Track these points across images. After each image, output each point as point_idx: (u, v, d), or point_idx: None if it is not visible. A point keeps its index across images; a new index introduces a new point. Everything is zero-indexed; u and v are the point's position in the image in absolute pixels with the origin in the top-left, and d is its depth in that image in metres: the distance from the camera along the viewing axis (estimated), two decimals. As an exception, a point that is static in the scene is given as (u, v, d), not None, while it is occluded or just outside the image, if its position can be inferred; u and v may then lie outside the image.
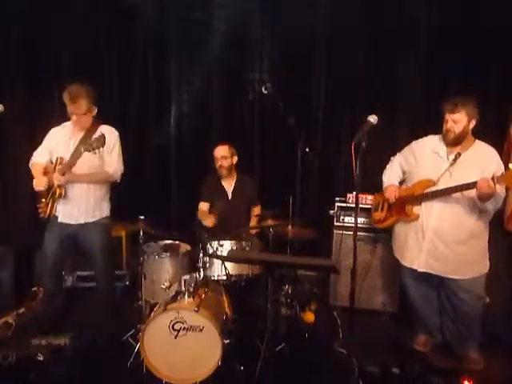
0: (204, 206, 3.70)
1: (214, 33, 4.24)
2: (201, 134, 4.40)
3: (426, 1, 3.85)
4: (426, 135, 2.98)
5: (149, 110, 4.42)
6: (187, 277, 2.81)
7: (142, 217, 3.12)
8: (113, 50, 4.29)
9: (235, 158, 3.65)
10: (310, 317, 3.38)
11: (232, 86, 4.33)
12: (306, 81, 4.23)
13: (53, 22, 4.09)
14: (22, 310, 3.35)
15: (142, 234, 3.10)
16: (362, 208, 3.59)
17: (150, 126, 4.46)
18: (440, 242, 2.77)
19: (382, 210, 3.18)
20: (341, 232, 3.63)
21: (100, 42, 4.24)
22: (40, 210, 3.06)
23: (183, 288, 2.73)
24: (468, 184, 2.56)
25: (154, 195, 4.43)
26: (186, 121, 4.46)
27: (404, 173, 3.05)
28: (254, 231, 3.64)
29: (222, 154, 3.59)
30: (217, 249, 3.09)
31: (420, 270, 2.85)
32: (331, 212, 3.77)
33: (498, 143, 2.93)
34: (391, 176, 3.09)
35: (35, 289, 3.50)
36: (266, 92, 3.52)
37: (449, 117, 2.71)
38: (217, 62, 4.28)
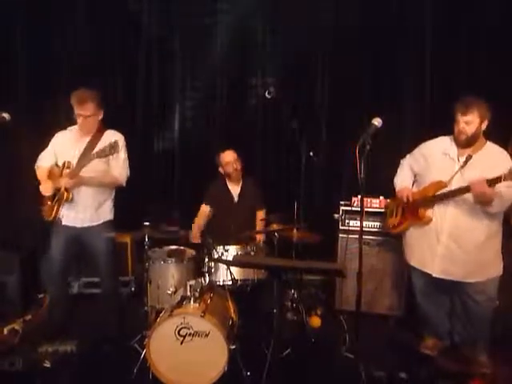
0: (206, 208, 3.71)
1: (217, 38, 4.26)
2: (204, 139, 4.41)
3: (430, 1, 3.86)
4: (431, 137, 2.96)
5: (152, 115, 4.44)
6: (193, 282, 2.80)
7: (147, 222, 3.12)
8: (117, 55, 4.33)
9: (240, 163, 3.67)
10: (316, 321, 3.36)
11: (235, 90, 4.35)
12: (309, 84, 4.24)
13: (56, 25, 4.15)
14: (28, 317, 3.36)
15: (146, 239, 3.11)
16: (367, 211, 3.58)
17: (154, 132, 4.48)
18: (455, 245, 2.75)
19: (396, 215, 3.13)
20: (346, 236, 3.61)
21: (104, 46, 4.27)
22: (44, 213, 3.09)
23: (189, 293, 2.73)
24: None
25: (158, 200, 4.43)
26: (190, 125, 4.48)
27: (415, 175, 3.02)
28: (260, 238, 3.59)
29: (235, 157, 3.61)
30: (222, 254, 3.09)
31: (435, 275, 2.81)
32: (336, 216, 3.76)
33: (502, 141, 2.90)
34: (403, 180, 3.05)
35: (42, 295, 3.51)
36: (268, 96, 3.53)
37: (461, 118, 2.66)
38: (220, 67, 4.30)
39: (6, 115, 2.82)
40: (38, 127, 3.81)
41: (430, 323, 3.11)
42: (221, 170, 3.69)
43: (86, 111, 3.00)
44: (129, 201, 4.12)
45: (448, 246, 2.76)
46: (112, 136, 3.07)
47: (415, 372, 2.80)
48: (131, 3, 4.24)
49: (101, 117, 3.11)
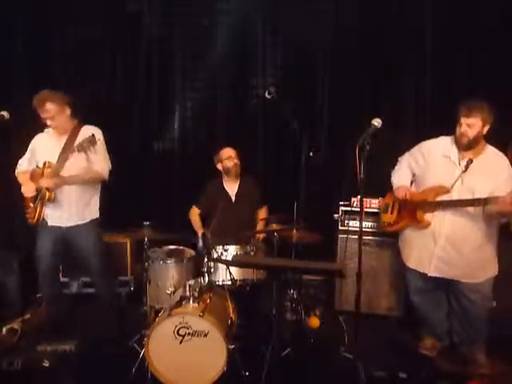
0: (195, 210, 3.72)
1: (217, 38, 4.26)
2: (204, 139, 4.41)
3: (431, 2, 3.86)
4: (431, 137, 2.94)
5: (152, 115, 4.44)
6: (192, 282, 2.80)
7: (147, 222, 3.12)
8: (117, 55, 4.33)
9: (239, 160, 3.68)
10: (314, 322, 3.36)
11: (235, 90, 4.35)
12: (309, 84, 4.23)
13: (56, 24, 4.16)
14: (27, 317, 3.36)
15: (146, 239, 3.11)
16: (366, 212, 3.58)
17: (154, 132, 4.48)
18: (452, 249, 2.75)
19: (391, 212, 3.10)
20: (345, 236, 3.61)
21: (104, 46, 4.27)
22: (28, 216, 3.05)
23: (188, 293, 2.73)
24: (485, 199, 2.54)
25: (158, 200, 4.44)
26: (190, 125, 4.48)
27: (413, 175, 3.00)
28: (260, 236, 3.58)
29: (234, 153, 3.62)
30: (221, 253, 3.09)
31: (430, 274, 2.82)
32: (336, 216, 3.76)
33: (502, 145, 2.91)
34: (401, 178, 3.02)
35: (40, 295, 3.51)
36: (269, 96, 3.52)
37: (463, 121, 2.65)
38: (220, 66, 4.30)
39: (5, 113, 2.82)
40: (37, 126, 3.81)
41: (428, 324, 3.10)
42: (219, 166, 3.67)
43: (47, 112, 2.95)
44: (129, 201, 4.14)
45: (445, 248, 2.76)
46: (89, 130, 3.03)
47: (414, 372, 2.80)
48: (131, 3, 4.24)
49: (68, 113, 3.04)
